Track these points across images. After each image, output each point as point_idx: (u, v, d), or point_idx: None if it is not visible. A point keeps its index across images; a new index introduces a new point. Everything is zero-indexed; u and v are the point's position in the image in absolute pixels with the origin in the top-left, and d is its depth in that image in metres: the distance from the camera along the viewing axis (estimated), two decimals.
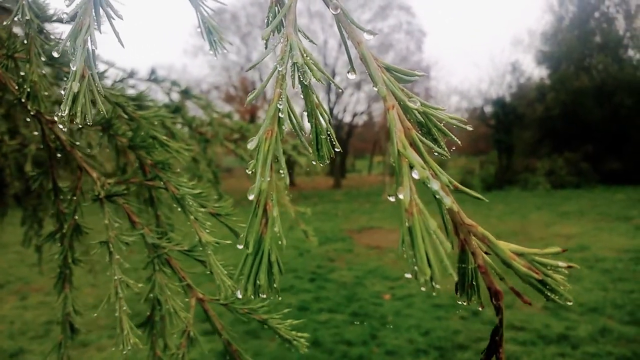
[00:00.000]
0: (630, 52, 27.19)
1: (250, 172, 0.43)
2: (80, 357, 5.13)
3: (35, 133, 0.95)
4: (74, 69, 0.55)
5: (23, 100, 0.75)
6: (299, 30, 0.56)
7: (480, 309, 0.48)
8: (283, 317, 0.89)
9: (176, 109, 1.68)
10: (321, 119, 0.53)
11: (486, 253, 0.43)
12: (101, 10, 0.57)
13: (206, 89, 32.07)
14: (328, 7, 0.51)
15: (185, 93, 1.78)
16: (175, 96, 1.79)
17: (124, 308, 0.82)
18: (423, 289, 0.36)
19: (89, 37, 0.55)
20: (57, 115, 0.52)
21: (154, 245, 0.87)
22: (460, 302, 0.47)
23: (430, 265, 0.34)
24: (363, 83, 32.65)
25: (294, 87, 0.48)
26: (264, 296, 0.40)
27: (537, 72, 36.59)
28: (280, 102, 0.44)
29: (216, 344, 5.06)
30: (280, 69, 0.46)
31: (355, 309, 6.45)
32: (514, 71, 29.75)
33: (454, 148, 0.53)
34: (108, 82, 1.53)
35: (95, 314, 0.91)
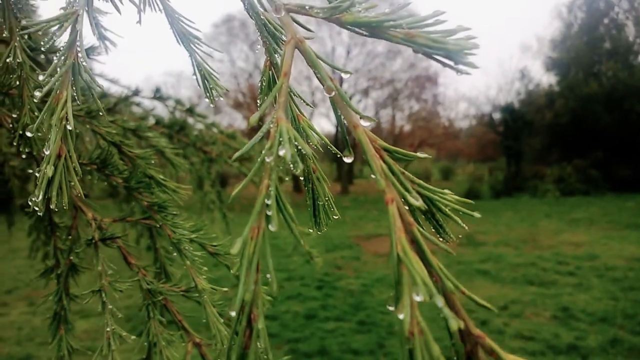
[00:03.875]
0: None
1: (235, 274, 0.39)
2: None
3: (30, 171, 0.95)
4: (48, 152, 0.53)
5: (14, 143, 0.74)
6: (295, 95, 0.54)
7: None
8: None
9: (180, 128, 1.68)
10: (318, 184, 0.52)
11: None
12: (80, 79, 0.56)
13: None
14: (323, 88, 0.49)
15: (190, 111, 1.78)
16: (179, 114, 1.79)
17: None
18: None
19: (65, 114, 0.53)
20: (31, 200, 0.51)
21: (149, 290, 0.86)
22: None
23: None
24: (371, 90, 32.67)
25: (282, 181, 0.45)
26: None
27: (545, 79, 36.48)
28: (268, 197, 0.40)
29: None
30: (268, 160, 0.42)
31: (363, 317, 6.42)
32: (522, 78, 29.68)
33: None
34: (112, 100, 1.53)
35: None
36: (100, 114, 0.95)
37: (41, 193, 0.53)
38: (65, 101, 0.53)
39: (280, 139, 0.41)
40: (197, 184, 1.74)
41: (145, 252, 1.15)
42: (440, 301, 0.36)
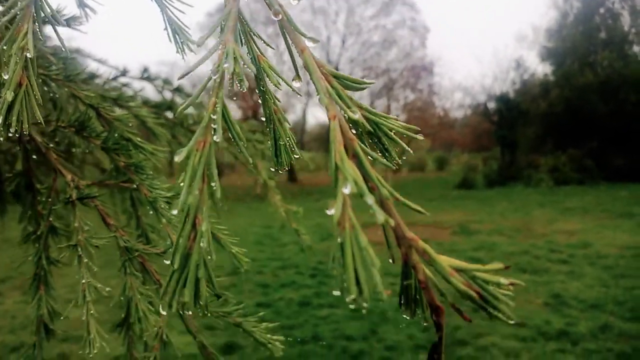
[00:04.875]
0: (636, 49, 27.10)
1: (179, 183, 0.41)
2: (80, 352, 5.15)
3: (10, 134, 0.94)
4: (7, 77, 0.54)
5: None
6: (256, 35, 0.55)
7: (424, 324, 0.46)
8: (258, 320, 0.88)
9: (168, 108, 1.68)
10: (279, 125, 0.53)
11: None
12: (42, 13, 0.56)
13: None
14: (270, 11, 0.50)
15: (178, 91, 1.77)
16: (168, 94, 1.78)
17: (92, 312, 0.82)
18: (352, 306, 0.35)
19: (25, 44, 0.54)
20: None
21: (126, 248, 0.86)
22: (405, 317, 0.46)
23: (359, 284, 0.33)
24: (366, 79, 32.57)
25: (234, 98, 0.46)
26: (189, 313, 0.39)
27: (541, 69, 36.48)
28: (214, 113, 0.42)
29: (217, 339, 5.08)
30: (214, 77, 0.44)
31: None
32: (518, 67, 29.68)
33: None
34: (99, 81, 1.52)
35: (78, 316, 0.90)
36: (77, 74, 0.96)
37: (1, 117, 0.54)
38: (26, 32, 0.54)
39: (226, 57, 0.43)
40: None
41: (127, 222, 1.15)
42: (370, 199, 0.38)
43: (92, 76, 1.24)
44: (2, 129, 0.55)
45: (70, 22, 0.97)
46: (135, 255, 0.85)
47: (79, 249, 0.83)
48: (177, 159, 0.41)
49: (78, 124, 0.92)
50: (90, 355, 0.78)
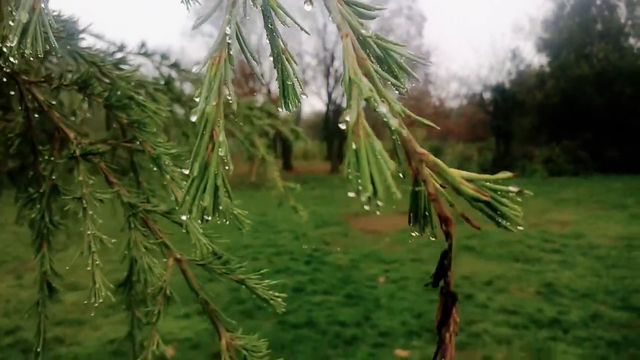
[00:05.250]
0: (631, 41, 27.07)
1: (195, 98, 0.43)
2: (75, 336, 5.17)
3: (12, 93, 0.94)
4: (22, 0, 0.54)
5: None
6: None
7: (432, 239, 0.48)
8: (260, 277, 0.89)
9: (166, 83, 1.67)
10: (287, 64, 0.53)
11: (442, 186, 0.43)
12: None
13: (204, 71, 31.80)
14: None
15: (175, 67, 1.76)
16: (165, 70, 1.77)
17: (97, 262, 0.82)
18: (367, 207, 0.36)
19: None
20: (6, 46, 0.50)
21: (130, 204, 0.87)
22: (413, 234, 0.48)
23: (373, 183, 0.34)
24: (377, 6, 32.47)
25: (245, 16, 0.47)
26: (209, 218, 0.40)
27: (537, 60, 36.39)
28: (229, 27, 0.44)
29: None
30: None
31: (350, 291, 6.49)
32: (514, 58, 29.62)
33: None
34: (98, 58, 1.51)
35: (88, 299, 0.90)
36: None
37: (16, 38, 0.53)
38: None
39: None
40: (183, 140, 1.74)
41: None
42: (384, 108, 0.38)
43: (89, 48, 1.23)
44: (16, 52, 0.54)
45: None
46: (139, 211, 0.86)
47: (84, 202, 0.83)
48: (195, 70, 0.43)
49: (81, 81, 0.92)
50: (96, 305, 0.79)
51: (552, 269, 7.28)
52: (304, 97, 0.56)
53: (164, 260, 0.87)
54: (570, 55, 26.14)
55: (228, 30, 0.44)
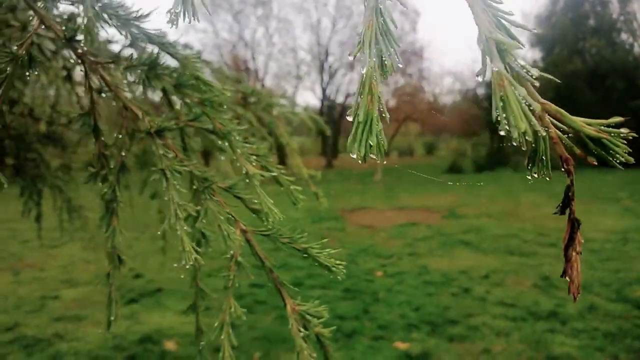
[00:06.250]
0: (624, 36, 27.24)
1: (352, 57, 0.53)
2: (75, 332, 5.18)
3: (81, 71, 0.98)
4: None
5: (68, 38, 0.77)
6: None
7: (547, 179, 0.58)
8: (321, 246, 0.96)
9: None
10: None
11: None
12: None
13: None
14: None
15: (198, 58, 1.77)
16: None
17: (185, 228, 0.86)
18: (515, 143, 0.46)
19: None
20: (74, 27, 0.52)
21: (203, 178, 0.91)
22: (529, 177, 0.59)
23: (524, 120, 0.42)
24: (356, 63, 32.46)
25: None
26: (374, 156, 0.49)
27: (530, 55, 36.51)
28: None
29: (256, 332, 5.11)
30: None
31: (348, 285, 6.53)
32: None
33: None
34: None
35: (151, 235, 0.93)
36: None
37: (86, 19, 0.57)
38: None
39: None
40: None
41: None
42: (522, 91, 0.46)
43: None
44: (87, 33, 0.57)
45: None
46: (211, 184, 0.90)
47: (167, 172, 0.87)
48: (358, 30, 0.54)
49: (150, 62, 0.95)
50: (187, 267, 0.82)
51: (548, 262, 7.36)
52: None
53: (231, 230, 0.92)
54: (563, 51, 26.27)
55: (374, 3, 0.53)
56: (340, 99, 34.27)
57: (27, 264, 7.84)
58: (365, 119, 0.48)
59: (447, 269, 7.25)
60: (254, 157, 0.92)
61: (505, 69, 0.47)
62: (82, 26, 0.74)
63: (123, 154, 0.99)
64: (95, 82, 0.98)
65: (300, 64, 33.03)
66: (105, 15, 0.81)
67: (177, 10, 0.64)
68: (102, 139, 1.02)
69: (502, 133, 0.45)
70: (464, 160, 25.49)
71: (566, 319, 5.18)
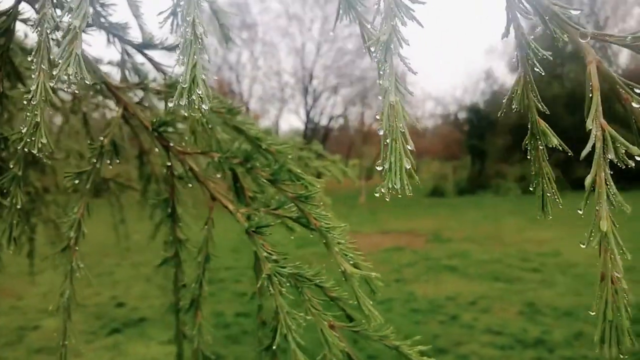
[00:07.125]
0: None
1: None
2: None
3: (169, 164, 1.02)
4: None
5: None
6: None
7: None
8: (413, 342, 0.94)
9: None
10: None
11: None
12: None
13: None
14: None
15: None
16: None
17: (297, 340, 0.87)
18: None
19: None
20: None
21: (298, 275, 0.90)
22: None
23: None
24: (340, 87, 32.78)
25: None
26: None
27: (510, 79, 37.24)
28: None
29: None
30: None
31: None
32: (487, 78, 30.30)
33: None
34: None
35: None
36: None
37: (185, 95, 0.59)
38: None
39: None
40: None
41: None
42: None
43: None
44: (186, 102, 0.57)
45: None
46: (310, 285, 0.90)
47: (273, 279, 0.87)
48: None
49: (244, 157, 0.98)
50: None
51: (533, 288, 7.39)
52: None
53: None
54: (542, 76, 26.77)
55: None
56: (323, 122, 34.46)
57: (6, 294, 7.63)
58: (394, 165, 0.56)
59: (434, 295, 7.24)
60: (350, 256, 0.92)
61: None
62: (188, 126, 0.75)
63: (208, 244, 1.00)
64: (178, 169, 1.02)
65: (284, 87, 33.21)
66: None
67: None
68: (180, 224, 1.04)
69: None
70: (445, 184, 25.69)
71: (553, 347, 5.19)
